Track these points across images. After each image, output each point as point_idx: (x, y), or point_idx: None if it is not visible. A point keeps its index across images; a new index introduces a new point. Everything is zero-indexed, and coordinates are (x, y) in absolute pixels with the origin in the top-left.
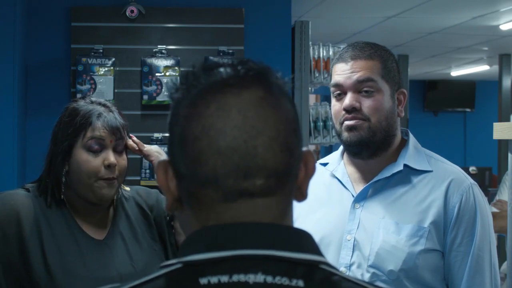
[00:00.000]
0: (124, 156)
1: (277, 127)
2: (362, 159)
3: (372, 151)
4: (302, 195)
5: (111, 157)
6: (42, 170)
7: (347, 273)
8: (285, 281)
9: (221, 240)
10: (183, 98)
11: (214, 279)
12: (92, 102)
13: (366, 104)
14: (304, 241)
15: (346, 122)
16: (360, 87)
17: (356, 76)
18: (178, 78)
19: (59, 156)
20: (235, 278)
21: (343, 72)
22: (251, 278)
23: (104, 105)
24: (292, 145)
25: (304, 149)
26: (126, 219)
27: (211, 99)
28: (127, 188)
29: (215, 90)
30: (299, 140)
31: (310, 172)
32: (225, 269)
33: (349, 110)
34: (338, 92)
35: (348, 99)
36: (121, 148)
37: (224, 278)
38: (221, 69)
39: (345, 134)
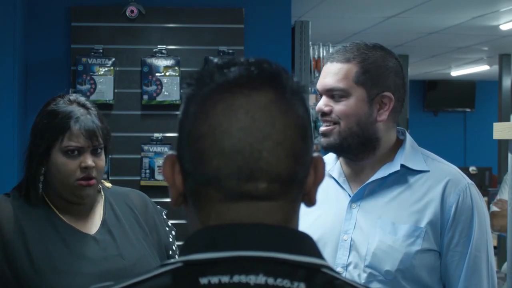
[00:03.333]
0: (102, 156)
1: (284, 132)
2: (351, 160)
3: (354, 155)
4: (310, 201)
5: (88, 160)
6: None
7: (344, 274)
8: (286, 283)
9: (222, 240)
10: (195, 95)
11: (214, 279)
12: (71, 102)
13: (336, 108)
14: (306, 244)
15: (320, 128)
16: (331, 92)
17: (325, 82)
18: (194, 74)
19: (36, 157)
20: (236, 278)
21: (322, 74)
22: (252, 279)
23: (83, 106)
24: (299, 151)
25: (315, 154)
26: (114, 216)
27: (220, 98)
28: (108, 185)
29: (224, 90)
30: (308, 146)
31: (319, 178)
32: (225, 269)
33: (320, 113)
34: (320, 93)
35: (320, 102)
36: (99, 150)
37: (225, 279)
38: (235, 69)
39: (321, 139)
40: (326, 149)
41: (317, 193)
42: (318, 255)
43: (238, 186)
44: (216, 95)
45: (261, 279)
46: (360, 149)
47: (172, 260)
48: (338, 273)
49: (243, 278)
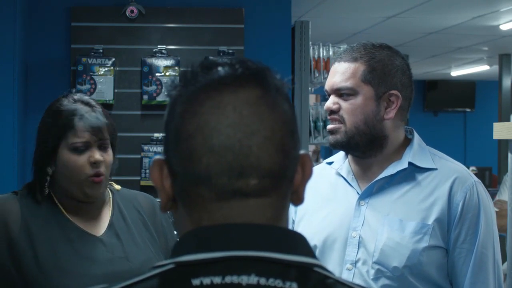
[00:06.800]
0: (110, 152)
1: (272, 127)
2: (359, 158)
3: (361, 152)
4: (298, 199)
5: (96, 154)
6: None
7: (353, 270)
8: (278, 283)
9: (214, 240)
10: (180, 95)
11: (206, 280)
12: (75, 101)
13: (344, 107)
14: (298, 243)
15: (327, 126)
16: (339, 91)
17: (333, 81)
18: (178, 77)
19: (43, 157)
20: (228, 279)
21: (330, 74)
22: (244, 279)
23: (87, 104)
24: (288, 146)
25: (302, 152)
26: (122, 219)
27: (206, 96)
28: (117, 187)
29: (211, 88)
30: (296, 142)
31: (307, 175)
32: (217, 270)
33: (329, 111)
34: (328, 93)
35: (328, 101)
36: (106, 146)
37: (217, 279)
38: (219, 68)
39: (328, 137)
40: (334, 147)
41: (305, 191)
42: (311, 254)
43: (229, 184)
44: (203, 94)
45: (253, 279)
46: (368, 146)
47: (164, 262)
48: (330, 272)
49: (235, 279)
